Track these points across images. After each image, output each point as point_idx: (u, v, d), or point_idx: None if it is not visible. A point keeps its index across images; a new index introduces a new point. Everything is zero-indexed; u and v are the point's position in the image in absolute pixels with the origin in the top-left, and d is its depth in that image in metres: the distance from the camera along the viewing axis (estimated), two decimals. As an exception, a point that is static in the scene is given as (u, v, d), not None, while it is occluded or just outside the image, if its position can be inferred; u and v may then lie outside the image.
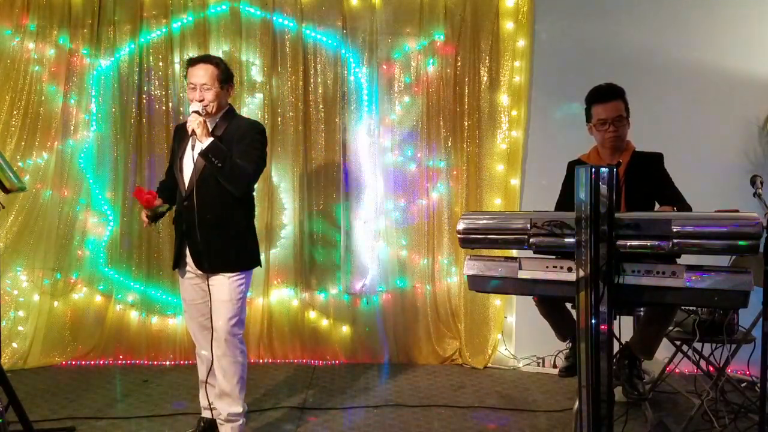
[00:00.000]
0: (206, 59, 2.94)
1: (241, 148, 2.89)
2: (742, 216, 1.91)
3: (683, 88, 4.26)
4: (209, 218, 2.88)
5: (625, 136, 3.01)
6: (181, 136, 3.02)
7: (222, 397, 2.98)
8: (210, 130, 2.87)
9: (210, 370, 2.99)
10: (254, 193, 3.12)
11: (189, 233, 2.92)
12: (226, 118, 2.97)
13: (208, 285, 2.94)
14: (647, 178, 2.96)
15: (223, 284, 2.92)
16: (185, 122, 2.88)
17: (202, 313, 3.02)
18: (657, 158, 3.03)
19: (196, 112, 2.84)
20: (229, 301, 2.92)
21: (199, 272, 2.94)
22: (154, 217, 3.01)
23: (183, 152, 2.96)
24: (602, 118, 2.95)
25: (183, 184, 2.96)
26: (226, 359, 2.94)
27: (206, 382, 3.06)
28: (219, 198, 2.88)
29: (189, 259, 2.97)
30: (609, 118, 2.94)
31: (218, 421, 3.02)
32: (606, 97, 2.96)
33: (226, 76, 2.95)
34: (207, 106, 2.87)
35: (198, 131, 2.79)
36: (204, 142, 2.79)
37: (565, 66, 4.32)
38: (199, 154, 2.80)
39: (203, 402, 3.10)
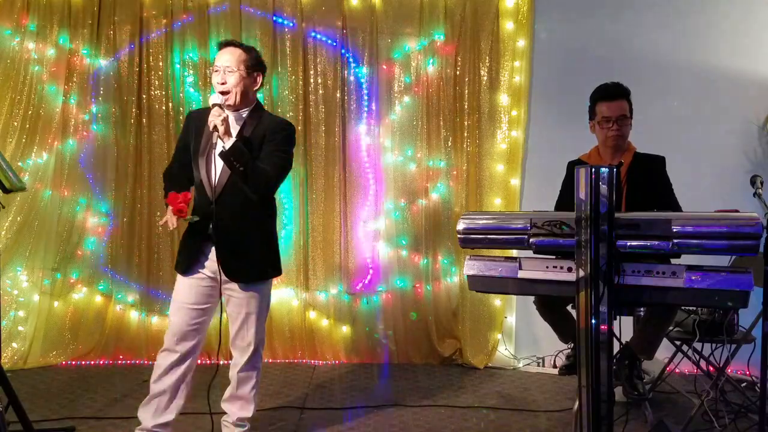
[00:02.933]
0: (236, 43, 2.75)
1: (267, 150, 2.70)
2: (742, 216, 1.92)
3: (683, 88, 4.26)
4: (241, 223, 2.72)
5: (627, 136, 3.01)
6: (198, 125, 2.77)
7: (234, 400, 2.90)
8: (239, 128, 2.71)
9: (174, 379, 2.77)
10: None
11: (218, 238, 2.70)
12: (254, 116, 2.76)
13: (222, 290, 2.77)
14: (649, 181, 2.96)
15: (254, 296, 2.78)
16: (203, 109, 2.67)
17: (200, 316, 2.81)
18: (659, 162, 3.03)
19: (218, 105, 2.62)
20: (260, 312, 2.81)
21: (217, 277, 2.72)
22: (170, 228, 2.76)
23: (207, 147, 2.72)
24: (606, 116, 2.95)
25: (210, 184, 2.71)
26: (248, 370, 2.86)
27: (165, 395, 2.78)
28: (249, 202, 2.71)
29: (210, 263, 2.75)
30: (613, 116, 2.94)
31: (224, 423, 2.94)
32: (612, 95, 2.96)
33: (254, 63, 2.73)
34: (229, 93, 2.66)
35: (221, 129, 2.56)
36: (226, 143, 2.57)
37: (565, 66, 4.33)
38: (220, 155, 2.60)
39: (168, 418, 2.81)
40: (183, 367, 2.80)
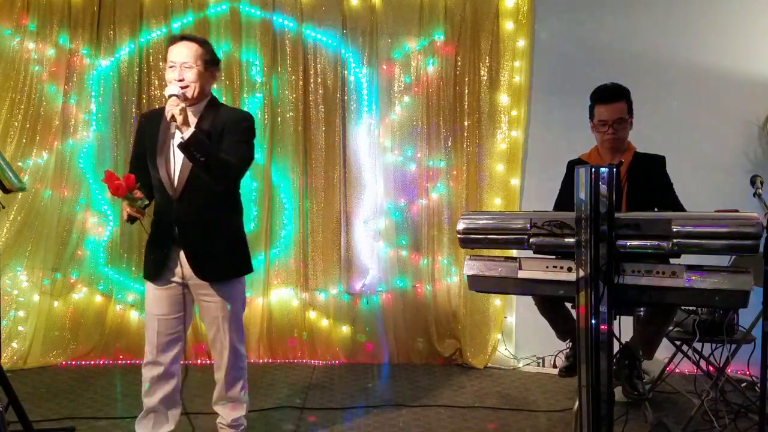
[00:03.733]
0: (190, 37, 2.66)
1: (228, 141, 2.60)
2: (742, 216, 1.91)
3: (683, 88, 4.26)
4: (206, 220, 2.64)
5: (624, 138, 3.00)
6: (153, 125, 2.67)
7: (226, 403, 2.88)
8: (197, 120, 2.62)
9: (163, 391, 2.73)
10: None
11: (185, 237, 2.63)
12: (211, 109, 2.68)
13: (194, 295, 2.72)
14: (649, 180, 2.96)
15: (228, 296, 2.71)
16: (155, 110, 2.57)
17: (177, 325, 2.73)
18: (659, 161, 3.03)
19: (175, 95, 2.50)
20: (235, 312, 2.75)
21: (186, 281, 2.67)
22: (132, 216, 2.56)
23: (163, 144, 2.62)
24: (603, 119, 2.95)
25: (170, 180, 2.61)
26: (233, 371, 2.81)
27: (159, 410, 2.77)
28: (213, 197, 2.63)
29: (179, 268, 2.66)
30: (610, 119, 2.93)
31: (219, 425, 2.92)
32: (609, 98, 2.95)
33: (211, 57, 2.65)
34: (187, 88, 2.56)
35: (179, 118, 2.44)
36: (185, 132, 2.45)
37: (565, 66, 4.32)
38: (179, 146, 2.47)
39: (168, 428, 2.81)
40: (170, 379, 2.77)
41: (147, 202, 2.60)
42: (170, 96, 2.51)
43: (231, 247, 2.74)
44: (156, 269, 2.70)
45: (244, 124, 2.70)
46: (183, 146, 2.47)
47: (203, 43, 2.66)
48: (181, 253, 2.66)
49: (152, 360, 2.75)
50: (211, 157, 2.50)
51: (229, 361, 2.79)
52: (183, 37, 2.65)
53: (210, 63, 2.65)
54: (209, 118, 2.65)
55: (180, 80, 2.56)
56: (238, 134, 2.65)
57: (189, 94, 2.59)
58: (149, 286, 2.75)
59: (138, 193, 2.52)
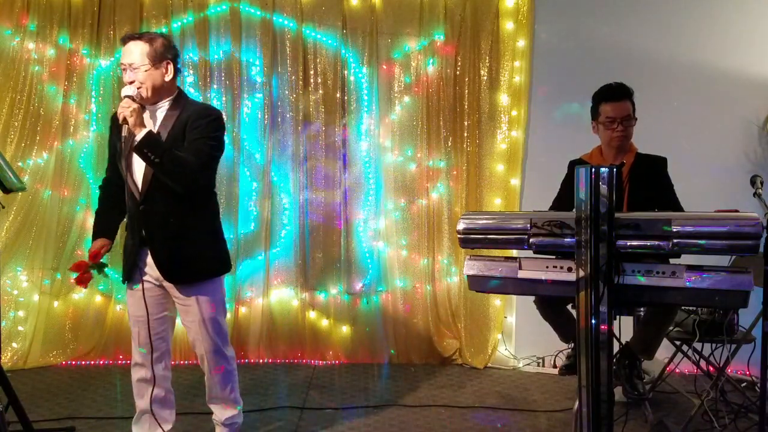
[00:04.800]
0: (137, 36, 2.57)
1: (189, 138, 2.54)
2: (742, 216, 1.91)
3: (683, 88, 4.25)
4: (173, 222, 2.58)
5: (631, 136, 3.01)
6: (120, 127, 2.57)
7: (216, 402, 2.88)
8: (160, 120, 2.57)
9: (152, 393, 2.71)
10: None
11: (152, 240, 2.60)
12: (176, 106, 2.60)
13: (172, 297, 2.70)
14: (650, 181, 2.96)
15: (200, 301, 2.65)
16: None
17: (158, 326, 2.71)
18: (660, 162, 3.03)
19: (129, 97, 2.45)
20: (214, 314, 2.69)
21: (163, 283, 2.65)
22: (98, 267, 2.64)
23: (126, 146, 2.52)
24: (611, 116, 2.94)
25: (135, 184, 2.59)
26: (217, 373, 2.78)
27: (151, 412, 2.74)
28: (178, 199, 2.55)
29: (150, 269, 2.64)
30: (618, 117, 2.93)
31: (214, 421, 2.94)
32: (617, 95, 2.95)
33: (160, 53, 2.54)
34: (140, 88, 2.50)
35: (130, 120, 2.39)
36: (138, 134, 2.39)
37: (565, 66, 4.32)
38: (133, 148, 2.41)
39: (166, 428, 2.82)
40: (160, 381, 2.76)
41: (107, 264, 2.68)
42: (124, 97, 2.47)
43: (199, 249, 2.66)
44: (128, 271, 2.69)
45: (207, 119, 2.60)
46: (136, 148, 2.42)
47: (151, 40, 2.55)
48: (149, 255, 2.64)
49: (137, 361, 2.75)
50: (165, 157, 2.43)
51: (209, 363, 2.76)
52: (130, 37, 2.57)
53: (160, 59, 2.54)
54: (175, 115, 2.59)
55: (131, 82, 2.51)
56: (198, 131, 2.56)
57: (144, 95, 2.53)
58: (127, 289, 2.74)
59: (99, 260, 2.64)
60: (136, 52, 2.51)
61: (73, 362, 4.25)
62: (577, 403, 2.14)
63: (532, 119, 4.37)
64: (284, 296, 4.42)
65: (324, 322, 4.44)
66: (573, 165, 3.08)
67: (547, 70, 4.35)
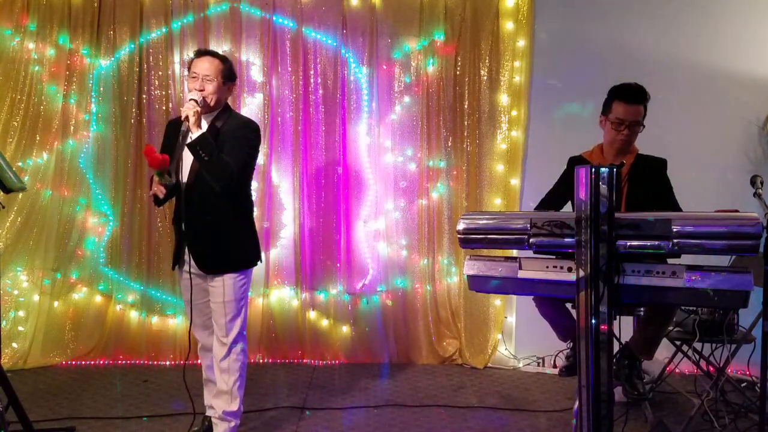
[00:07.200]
0: (214, 53, 2.94)
1: (230, 145, 2.84)
2: (742, 216, 1.91)
3: (683, 88, 4.25)
4: (208, 216, 2.87)
5: (634, 141, 2.98)
6: (176, 130, 2.89)
7: (219, 395, 2.98)
8: (208, 124, 2.86)
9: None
10: (252, 191, 3.11)
11: (189, 232, 2.90)
12: (223, 116, 2.93)
13: (209, 285, 2.95)
14: (649, 183, 2.96)
15: (225, 285, 2.92)
16: (179, 117, 2.80)
17: (205, 313, 3.03)
18: (661, 164, 3.02)
19: (195, 100, 2.77)
20: (231, 301, 2.93)
21: (201, 272, 2.92)
22: (161, 197, 2.79)
23: (178, 147, 2.84)
24: (621, 118, 2.90)
25: (181, 179, 2.87)
26: (226, 359, 2.96)
27: (211, 380, 3.09)
28: (215, 198, 2.84)
29: (189, 259, 2.94)
30: (627, 120, 2.90)
31: (212, 418, 3.03)
32: (633, 98, 2.90)
33: (230, 73, 2.94)
34: (206, 97, 2.83)
35: (192, 119, 2.72)
36: (194, 133, 2.73)
37: (565, 66, 4.32)
38: (187, 145, 2.74)
39: (207, 401, 3.13)
40: (207, 352, 3.12)
41: (173, 181, 2.80)
42: (190, 99, 2.77)
43: (234, 244, 2.94)
44: (174, 260, 3.02)
45: (246, 130, 2.94)
46: (191, 145, 2.73)
47: (224, 60, 2.93)
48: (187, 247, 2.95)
49: (200, 340, 3.14)
50: (213, 156, 2.74)
51: (229, 350, 2.96)
52: (207, 53, 2.92)
53: (229, 78, 2.93)
54: (221, 123, 2.91)
55: (201, 90, 2.82)
56: (237, 139, 2.87)
57: (208, 102, 2.85)
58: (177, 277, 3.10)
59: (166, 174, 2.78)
60: (213, 66, 2.86)
61: (73, 362, 4.25)
62: (577, 403, 2.14)
63: (532, 119, 4.37)
64: (284, 296, 4.42)
65: (324, 322, 4.44)
66: (573, 162, 3.09)
67: (547, 70, 4.35)
